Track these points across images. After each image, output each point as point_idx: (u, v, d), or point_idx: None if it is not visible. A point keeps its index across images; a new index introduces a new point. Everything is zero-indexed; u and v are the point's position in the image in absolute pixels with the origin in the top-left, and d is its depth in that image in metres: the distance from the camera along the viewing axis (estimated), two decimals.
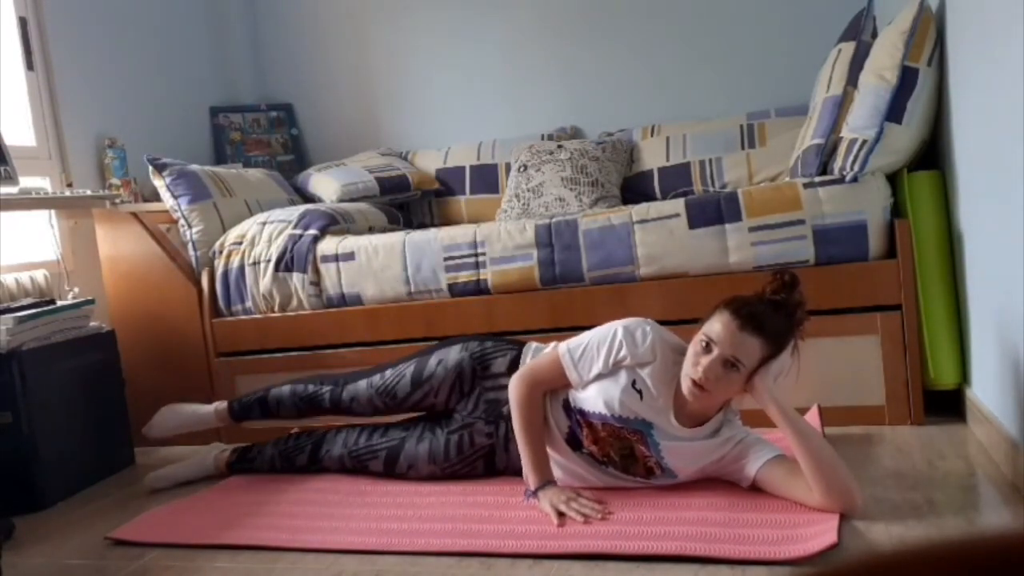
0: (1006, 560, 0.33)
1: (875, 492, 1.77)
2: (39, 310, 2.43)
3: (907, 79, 2.22)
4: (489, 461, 2.08)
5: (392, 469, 2.16)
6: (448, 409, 2.14)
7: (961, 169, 2.09)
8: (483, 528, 1.77)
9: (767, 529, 1.60)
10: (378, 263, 2.68)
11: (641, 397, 1.81)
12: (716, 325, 1.73)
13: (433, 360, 2.16)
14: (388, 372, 2.22)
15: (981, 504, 1.70)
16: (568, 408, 1.91)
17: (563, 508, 1.77)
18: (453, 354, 2.14)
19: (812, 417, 2.17)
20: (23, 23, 3.04)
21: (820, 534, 1.54)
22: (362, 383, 2.25)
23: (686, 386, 1.75)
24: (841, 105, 2.41)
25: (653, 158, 3.28)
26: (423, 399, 2.16)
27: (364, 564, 1.70)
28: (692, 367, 1.73)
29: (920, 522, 1.61)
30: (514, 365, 2.04)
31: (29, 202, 2.59)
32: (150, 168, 3.02)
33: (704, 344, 1.73)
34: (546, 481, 1.85)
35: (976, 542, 0.34)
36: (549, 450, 1.94)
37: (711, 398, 1.76)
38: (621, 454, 1.86)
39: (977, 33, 1.91)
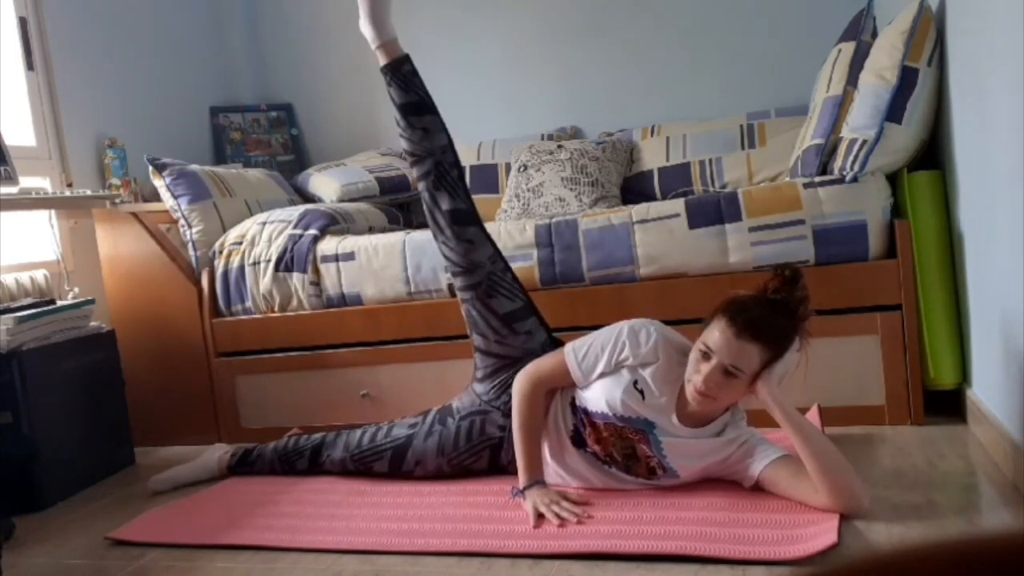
0: (1006, 560, 0.33)
1: (875, 492, 1.76)
2: (39, 310, 2.43)
3: (907, 79, 2.22)
4: (495, 453, 2.08)
5: (399, 468, 2.15)
6: (490, 350, 2.09)
7: (961, 169, 2.09)
8: (483, 528, 1.77)
9: (767, 529, 1.60)
10: (378, 263, 2.68)
11: (643, 397, 1.82)
12: (714, 332, 1.71)
13: (534, 320, 2.10)
14: (511, 275, 2.13)
15: (981, 504, 1.70)
16: (574, 407, 1.92)
17: (543, 509, 1.78)
18: (541, 335, 2.11)
19: (812, 417, 2.17)
20: (23, 23, 3.04)
21: (820, 534, 1.54)
22: (489, 247, 2.12)
23: (689, 392, 1.75)
24: (841, 105, 2.41)
25: (653, 158, 3.28)
26: (505, 325, 2.08)
27: (364, 564, 1.70)
28: (693, 374, 1.73)
29: (920, 522, 1.61)
30: None
31: (29, 202, 2.59)
32: (150, 168, 3.02)
33: (703, 352, 1.72)
34: (535, 480, 1.86)
35: (976, 542, 0.34)
36: (555, 448, 1.95)
37: (715, 403, 1.76)
38: (623, 454, 1.86)
39: (977, 33, 1.91)
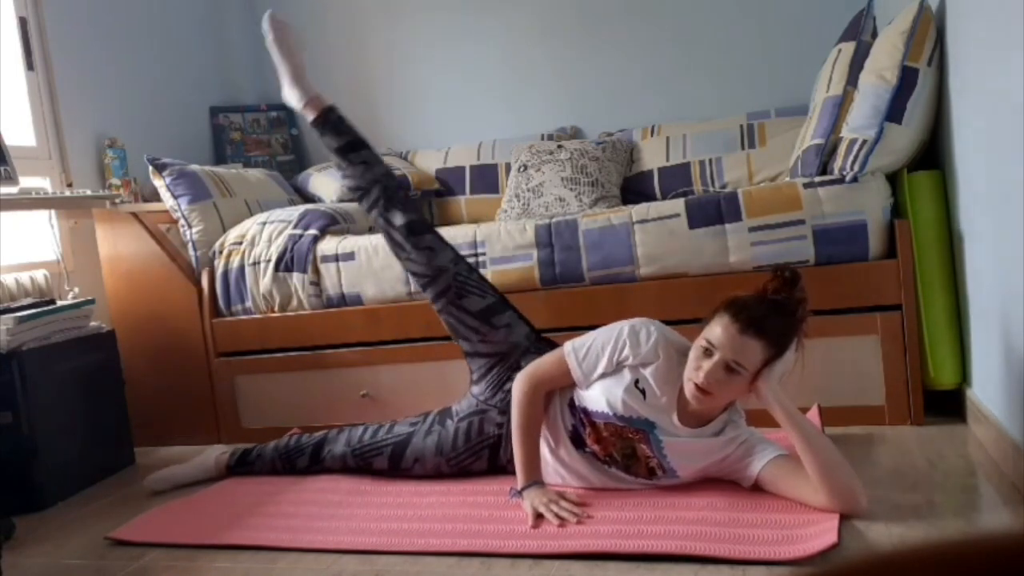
0: (1006, 560, 0.33)
1: (875, 492, 1.76)
2: (39, 310, 2.43)
3: (907, 79, 2.22)
4: (494, 453, 2.08)
5: (398, 465, 2.15)
6: (475, 356, 2.13)
7: (961, 169, 2.09)
8: (483, 528, 1.77)
9: (767, 529, 1.60)
10: (378, 263, 2.68)
11: (644, 396, 1.82)
12: (716, 329, 1.72)
13: (507, 316, 2.13)
14: (476, 276, 2.18)
15: (981, 504, 1.70)
16: (573, 407, 1.92)
17: (542, 509, 1.78)
18: (522, 329, 2.13)
19: (812, 417, 2.17)
20: (23, 23, 3.04)
21: (820, 534, 1.54)
22: (449, 253, 2.17)
23: (689, 390, 1.75)
24: (841, 105, 2.41)
25: (653, 158, 3.28)
26: (474, 330, 2.11)
27: (364, 564, 1.70)
28: (694, 371, 1.73)
29: (920, 522, 1.61)
30: None
31: (29, 202, 2.59)
32: (150, 168, 3.02)
33: (705, 348, 1.72)
34: (533, 481, 1.86)
35: (976, 542, 0.34)
36: (554, 447, 1.95)
37: (714, 401, 1.76)
38: (623, 453, 1.86)
39: (977, 33, 1.91)
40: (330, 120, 2.25)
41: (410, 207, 2.20)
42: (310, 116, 2.26)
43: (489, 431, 2.07)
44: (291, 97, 2.28)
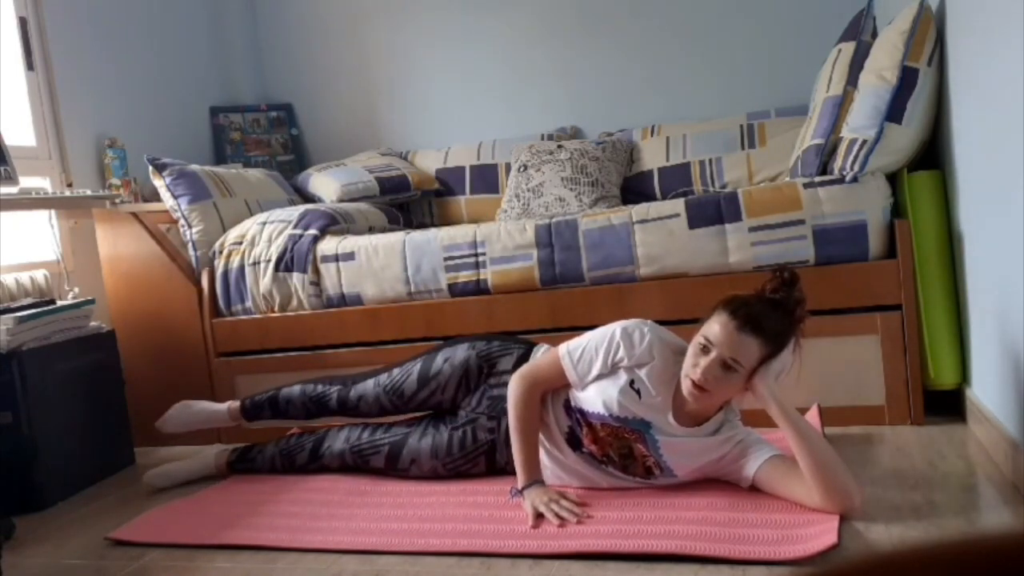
0: (1006, 560, 0.33)
1: (875, 492, 1.77)
2: (39, 310, 2.43)
3: (907, 79, 2.22)
4: (491, 457, 2.08)
5: (394, 464, 2.16)
6: (454, 406, 2.15)
7: (961, 169, 2.09)
8: (483, 528, 1.77)
9: (767, 529, 1.60)
10: (378, 263, 2.68)
11: (639, 397, 1.82)
12: (714, 326, 1.72)
13: (440, 358, 2.17)
14: (395, 371, 2.23)
15: (981, 504, 1.70)
16: (569, 408, 1.92)
17: (542, 509, 1.78)
18: (460, 352, 2.15)
19: (812, 417, 2.17)
20: (23, 23, 3.04)
21: (820, 534, 1.54)
22: (369, 383, 2.26)
23: (686, 387, 1.75)
24: (841, 105, 2.41)
25: (653, 158, 3.28)
26: (430, 397, 2.16)
27: (364, 564, 1.70)
28: (691, 368, 1.73)
29: (920, 522, 1.61)
30: (520, 363, 2.05)
31: (29, 202, 2.59)
32: (150, 168, 3.02)
33: (703, 345, 1.73)
34: (533, 481, 1.86)
35: (976, 542, 0.34)
36: (551, 449, 1.95)
37: (711, 398, 1.76)
38: (620, 454, 1.86)
39: (977, 33, 1.91)
40: (251, 410, 2.41)
41: (328, 393, 2.30)
42: (242, 420, 2.43)
43: (482, 438, 2.08)
44: (225, 422, 2.46)
